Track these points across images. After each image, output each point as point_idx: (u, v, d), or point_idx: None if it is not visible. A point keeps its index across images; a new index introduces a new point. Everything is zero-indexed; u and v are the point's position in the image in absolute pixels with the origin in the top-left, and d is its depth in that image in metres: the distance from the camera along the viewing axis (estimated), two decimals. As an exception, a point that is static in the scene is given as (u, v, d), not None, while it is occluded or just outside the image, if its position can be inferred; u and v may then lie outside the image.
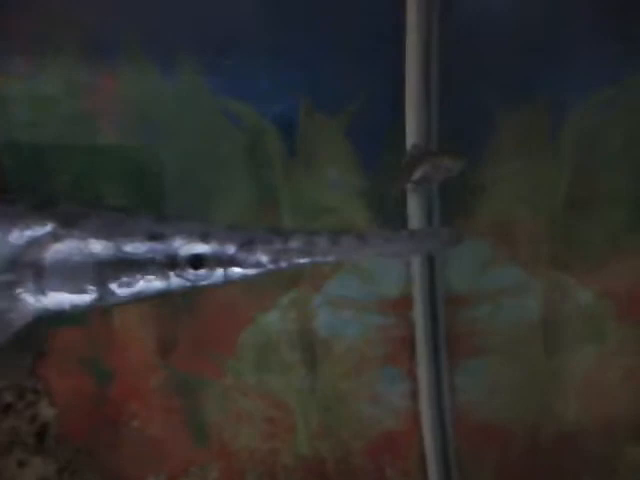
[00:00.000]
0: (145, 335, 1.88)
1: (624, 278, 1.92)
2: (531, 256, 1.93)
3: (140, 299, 1.15)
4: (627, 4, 1.77)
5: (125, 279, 1.13)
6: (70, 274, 1.12)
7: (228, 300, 1.88)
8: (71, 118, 1.78)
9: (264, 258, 1.12)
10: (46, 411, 1.62)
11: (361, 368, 1.96)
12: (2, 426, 1.57)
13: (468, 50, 1.76)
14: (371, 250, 1.13)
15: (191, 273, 1.13)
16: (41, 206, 1.16)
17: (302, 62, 1.79)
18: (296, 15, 1.78)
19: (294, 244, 1.12)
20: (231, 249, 1.13)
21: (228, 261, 1.13)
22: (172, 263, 1.13)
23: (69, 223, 1.14)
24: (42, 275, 1.12)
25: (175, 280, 1.14)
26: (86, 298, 1.13)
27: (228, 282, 1.14)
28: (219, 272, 1.14)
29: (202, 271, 1.13)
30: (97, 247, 1.13)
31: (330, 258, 1.13)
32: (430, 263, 1.88)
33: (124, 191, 1.80)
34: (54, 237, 1.13)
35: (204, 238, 1.14)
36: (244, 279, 1.14)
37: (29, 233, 1.13)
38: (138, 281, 1.13)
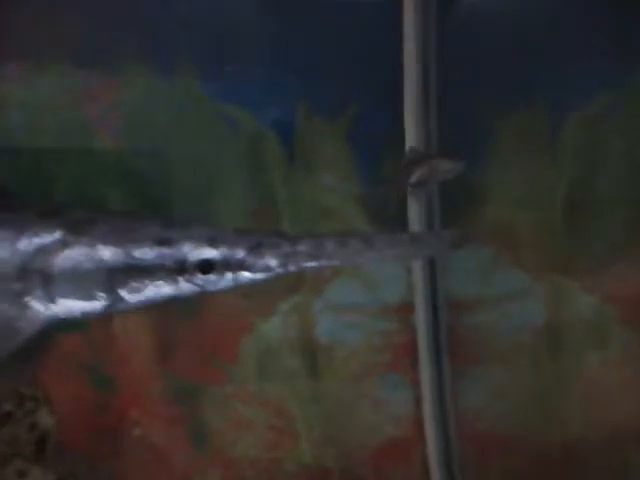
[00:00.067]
0: (145, 342, 1.87)
1: (628, 282, 1.91)
2: (534, 261, 1.92)
3: (149, 305, 1.15)
4: (625, 8, 1.77)
5: (134, 285, 1.13)
6: (80, 281, 1.12)
7: (228, 306, 1.87)
8: (69, 124, 1.78)
9: (273, 262, 1.12)
10: (45, 420, 1.61)
11: (363, 375, 1.94)
12: (1, 435, 1.57)
13: (466, 54, 1.76)
14: (377, 253, 1.12)
15: (200, 278, 1.13)
16: (49, 214, 1.16)
17: (301, 67, 1.80)
18: (295, 21, 1.79)
19: (302, 248, 1.12)
20: (240, 253, 1.13)
21: (237, 265, 1.13)
22: (181, 268, 1.13)
23: (78, 230, 1.14)
24: (51, 282, 1.12)
25: (184, 285, 1.13)
26: (96, 305, 1.13)
27: (237, 287, 1.14)
28: (228, 277, 1.13)
29: (211, 276, 1.13)
30: (106, 253, 1.12)
31: (337, 261, 1.13)
32: (431, 269, 1.87)
33: (122, 197, 1.80)
34: (63, 244, 1.13)
35: (212, 243, 1.13)
36: (253, 283, 1.14)
37: (38, 241, 1.13)
38: (147, 287, 1.13)
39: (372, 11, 1.75)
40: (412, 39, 1.72)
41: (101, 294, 1.12)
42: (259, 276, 1.13)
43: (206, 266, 1.13)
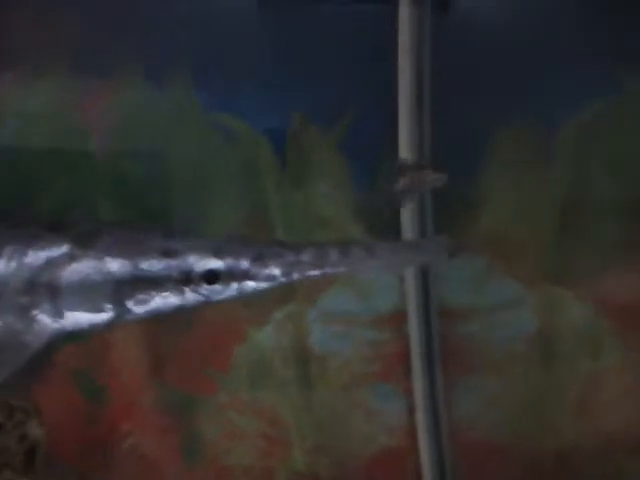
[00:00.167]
0: (137, 352, 1.86)
1: (621, 292, 1.91)
2: (527, 271, 1.92)
3: (155, 315, 1.15)
4: (616, 18, 1.78)
5: (141, 296, 1.14)
6: (87, 293, 1.13)
7: (222, 316, 1.86)
8: (63, 133, 1.78)
9: (276, 271, 1.13)
10: (35, 431, 1.60)
11: (356, 384, 1.94)
12: (-9, 446, 1.56)
13: (460, 64, 1.77)
14: (379, 261, 1.13)
15: (206, 288, 1.14)
16: (55, 227, 1.17)
17: (295, 76, 1.80)
18: (290, 30, 1.79)
19: (305, 257, 1.13)
20: (244, 263, 1.14)
21: (241, 275, 1.14)
22: (187, 279, 1.13)
23: (85, 243, 1.15)
24: (59, 296, 1.13)
25: (190, 296, 1.14)
26: (103, 317, 1.14)
27: (241, 296, 1.15)
28: (233, 286, 1.14)
29: (216, 286, 1.14)
30: (113, 266, 1.13)
31: (340, 269, 1.14)
32: (424, 278, 1.87)
33: (115, 206, 1.79)
34: (70, 257, 1.13)
35: (217, 253, 1.14)
36: (257, 292, 1.15)
37: (45, 254, 1.14)
38: (154, 298, 1.14)
39: (367, 21, 1.76)
40: (407, 50, 1.73)
41: (109, 306, 1.13)
42: (263, 285, 1.14)
43: (212, 276, 1.14)
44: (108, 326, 1.15)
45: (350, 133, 1.84)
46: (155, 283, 1.13)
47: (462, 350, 1.93)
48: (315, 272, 1.13)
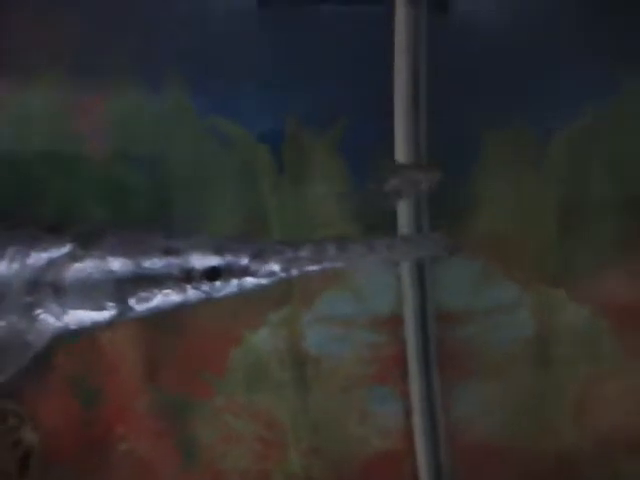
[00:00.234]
0: (132, 355, 1.86)
1: (618, 293, 1.91)
2: (524, 273, 1.91)
3: (157, 313, 1.17)
4: (616, 19, 1.77)
5: (143, 294, 1.16)
6: (90, 292, 1.15)
7: (217, 318, 1.85)
8: (58, 137, 1.77)
9: (276, 267, 1.16)
10: (29, 436, 1.59)
11: (352, 387, 1.93)
12: (-15, 452, 1.55)
13: (458, 64, 1.76)
14: (376, 256, 1.16)
15: (207, 285, 1.16)
16: (57, 228, 1.20)
17: (291, 78, 1.79)
18: (285, 33, 1.78)
19: (304, 253, 1.15)
20: (244, 260, 1.16)
21: (242, 272, 1.16)
22: (188, 277, 1.16)
23: (87, 243, 1.17)
24: (63, 295, 1.15)
25: (192, 293, 1.16)
26: (106, 315, 1.16)
27: (242, 292, 1.18)
28: (233, 283, 1.17)
29: (217, 283, 1.16)
30: (116, 265, 1.16)
31: (338, 265, 1.16)
32: (421, 280, 1.86)
33: (110, 210, 1.78)
34: (73, 257, 1.15)
35: (218, 251, 1.17)
36: (257, 288, 1.17)
37: (47, 255, 1.16)
38: (156, 296, 1.16)
39: (363, 24, 1.75)
40: (403, 50, 1.73)
41: (111, 304, 1.16)
42: (263, 281, 1.17)
43: (212, 273, 1.16)
44: (111, 324, 1.17)
45: (347, 134, 1.83)
46: (157, 281, 1.16)
47: (459, 353, 1.93)
48: (314, 267, 1.15)
